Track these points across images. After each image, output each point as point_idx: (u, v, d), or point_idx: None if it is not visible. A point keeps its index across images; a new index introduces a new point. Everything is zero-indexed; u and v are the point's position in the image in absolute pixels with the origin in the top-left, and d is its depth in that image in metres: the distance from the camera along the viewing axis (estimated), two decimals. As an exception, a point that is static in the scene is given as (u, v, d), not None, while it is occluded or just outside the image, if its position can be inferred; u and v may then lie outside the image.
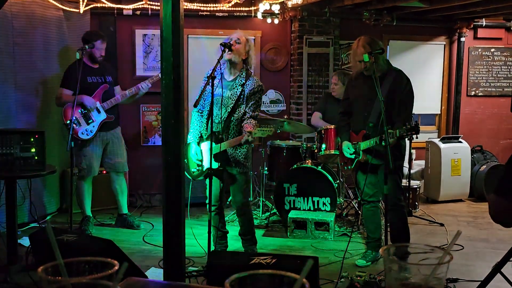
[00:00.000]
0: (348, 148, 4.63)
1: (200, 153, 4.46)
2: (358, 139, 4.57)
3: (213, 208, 4.53)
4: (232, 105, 4.32)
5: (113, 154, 5.60)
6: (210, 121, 4.06)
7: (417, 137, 4.34)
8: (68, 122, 5.32)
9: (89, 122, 5.38)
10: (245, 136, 4.17)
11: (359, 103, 4.60)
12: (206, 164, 4.39)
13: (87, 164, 5.44)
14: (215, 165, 4.35)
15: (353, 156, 4.62)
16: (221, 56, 4.15)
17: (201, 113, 4.50)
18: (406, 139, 4.65)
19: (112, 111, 5.50)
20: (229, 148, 4.36)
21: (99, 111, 5.41)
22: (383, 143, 4.15)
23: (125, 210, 5.79)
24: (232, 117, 4.34)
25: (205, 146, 4.41)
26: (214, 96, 4.08)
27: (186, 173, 4.59)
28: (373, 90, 4.36)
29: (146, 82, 5.52)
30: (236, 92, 4.33)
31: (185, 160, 4.59)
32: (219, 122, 4.33)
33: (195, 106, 4.28)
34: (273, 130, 4.31)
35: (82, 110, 5.33)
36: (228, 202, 5.81)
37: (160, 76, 5.32)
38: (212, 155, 4.25)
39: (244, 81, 4.36)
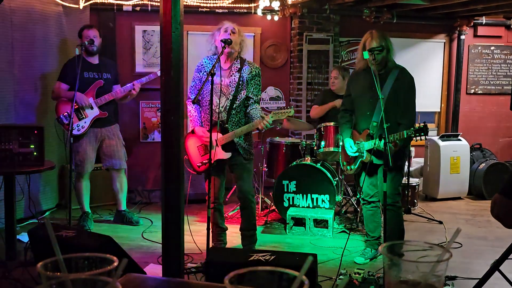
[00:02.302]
0: (351, 147, 4.55)
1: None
2: (361, 138, 4.49)
3: (212, 205, 4.53)
4: (233, 92, 4.31)
5: (109, 151, 5.54)
6: (210, 113, 4.04)
7: (426, 138, 4.29)
8: (61, 116, 5.31)
9: (81, 118, 5.33)
10: (264, 120, 4.13)
11: (361, 101, 4.52)
12: (214, 155, 4.35)
13: (80, 160, 5.42)
14: (226, 155, 4.34)
15: (356, 154, 4.56)
16: (222, 53, 4.15)
17: (199, 103, 4.47)
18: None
19: (107, 107, 5.45)
20: (236, 138, 4.34)
21: (92, 107, 5.37)
22: (387, 141, 4.10)
23: (123, 206, 5.78)
24: (234, 105, 4.32)
25: (212, 135, 4.32)
26: (214, 86, 4.06)
27: (187, 168, 4.57)
28: (375, 88, 4.27)
29: (137, 82, 5.46)
30: (234, 78, 4.33)
31: (186, 156, 4.58)
32: (221, 111, 4.31)
33: (193, 103, 4.28)
34: (291, 111, 4.26)
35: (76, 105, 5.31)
36: (226, 199, 5.82)
37: (151, 77, 5.40)
38: (221, 146, 4.25)
39: (239, 66, 4.36)
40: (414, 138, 4.13)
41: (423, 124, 4.11)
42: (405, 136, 4.10)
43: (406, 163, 6.25)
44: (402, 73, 4.43)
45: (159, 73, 5.28)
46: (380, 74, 4.36)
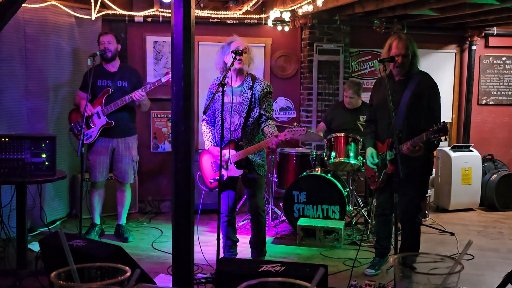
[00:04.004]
0: (372, 157, 4.42)
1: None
2: (383, 148, 4.35)
3: (225, 218, 4.52)
4: (246, 109, 4.33)
5: (118, 162, 5.49)
6: (221, 128, 4.07)
7: (446, 139, 4.13)
8: (72, 125, 5.35)
9: (90, 127, 5.34)
10: (273, 138, 4.14)
11: (382, 109, 4.35)
12: (227, 172, 4.36)
13: (90, 168, 5.43)
14: (238, 172, 4.35)
15: (375, 168, 4.47)
16: (232, 64, 4.16)
17: (212, 123, 4.50)
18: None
19: (120, 117, 5.35)
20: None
21: (99, 116, 5.34)
22: (398, 151, 4.02)
23: (121, 221, 5.65)
24: (248, 122, 4.35)
25: (226, 152, 4.31)
26: (224, 104, 4.08)
27: (200, 185, 4.58)
28: (396, 95, 4.20)
29: (139, 90, 5.25)
30: (247, 96, 4.35)
31: (199, 172, 4.59)
32: (235, 129, 4.34)
33: (204, 113, 4.30)
34: (307, 130, 4.25)
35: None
36: (236, 210, 5.81)
37: (155, 85, 5.33)
38: (234, 163, 4.27)
39: (251, 84, 4.38)
40: (435, 140, 3.92)
41: (441, 123, 3.87)
42: (425, 139, 3.92)
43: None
44: (424, 78, 4.30)
45: (163, 80, 5.24)
46: (401, 80, 4.31)
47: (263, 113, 4.36)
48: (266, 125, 4.33)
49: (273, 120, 4.43)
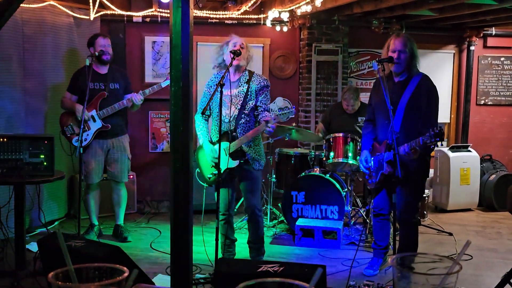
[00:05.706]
0: (365, 161, 4.43)
1: (216, 151, 4.23)
2: (380, 149, 4.33)
3: (222, 217, 4.52)
4: (241, 101, 4.35)
5: (113, 162, 5.47)
6: (219, 123, 4.07)
7: (442, 144, 4.12)
8: (65, 128, 5.30)
9: (83, 130, 5.20)
10: (265, 123, 4.16)
11: (380, 110, 4.33)
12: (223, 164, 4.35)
13: (86, 170, 5.39)
14: (234, 163, 4.35)
15: (367, 172, 4.47)
16: (231, 64, 4.18)
17: (208, 117, 4.51)
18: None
19: (115, 118, 5.36)
20: (245, 147, 4.35)
21: (94, 120, 5.29)
22: (397, 152, 4.01)
23: (119, 221, 5.64)
24: (243, 114, 4.35)
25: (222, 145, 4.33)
26: (223, 97, 4.09)
27: (200, 181, 4.58)
28: (395, 96, 4.18)
29: (139, 94, 5.34)
30: (243, 89, 4.37)
31: (197, 169, 4.59)
32: (230, 121, 4.33)
33: (203, 113, 4.31)
34: (292, 111, 4.28)
35: (77, 117, 5.24)
36: (236, 209, 5.81)
37: (155, 89, 5.37)
38: (228, 154, 4.26)
39: (248, 78, 4.41)
40: (431, 145, 3.90)
41: (438, 128, 3.86)
42: (421, 143, 3.91)
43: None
44: (424, 80, 4.28)
45: (163, 85, 5.30)
46: (401, 81, 4.32)
47: (259, 105, 4.38)
48: (263, 116, 4.34)
49: (270, 112, 4.43)
